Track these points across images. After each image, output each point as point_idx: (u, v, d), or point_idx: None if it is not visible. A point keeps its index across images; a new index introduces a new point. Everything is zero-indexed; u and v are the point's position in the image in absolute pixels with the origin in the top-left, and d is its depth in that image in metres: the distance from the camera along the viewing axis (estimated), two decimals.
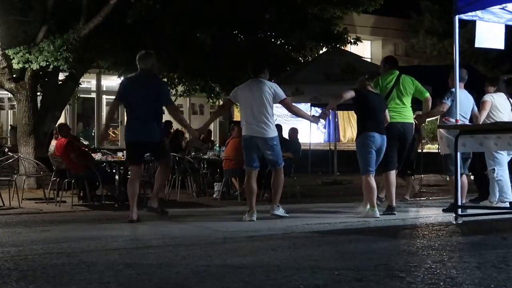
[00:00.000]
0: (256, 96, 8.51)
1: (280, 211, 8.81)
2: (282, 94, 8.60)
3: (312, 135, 19.12)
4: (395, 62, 9.95)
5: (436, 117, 9.47)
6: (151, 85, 8.40)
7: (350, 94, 8.77)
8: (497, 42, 8.66)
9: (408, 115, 9.26)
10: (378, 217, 8.50)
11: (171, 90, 17.05)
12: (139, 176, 8.73)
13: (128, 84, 8.67)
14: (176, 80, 16.72)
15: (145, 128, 8.29)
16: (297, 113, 9.09)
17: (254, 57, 15.63)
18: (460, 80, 8.52)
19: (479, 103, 9.49)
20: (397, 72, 9.38)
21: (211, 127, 26.12)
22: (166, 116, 25.07)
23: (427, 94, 9.26)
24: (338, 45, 17.17)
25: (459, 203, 8.02)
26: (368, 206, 8.69)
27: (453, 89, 8.49)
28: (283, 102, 8.65)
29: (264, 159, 8.88)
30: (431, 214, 9.33)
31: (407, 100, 9.26)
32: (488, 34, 8.53)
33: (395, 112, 9.16)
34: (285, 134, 13.11)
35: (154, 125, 8.37)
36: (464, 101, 9.01)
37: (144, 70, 8.38)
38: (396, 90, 9.21)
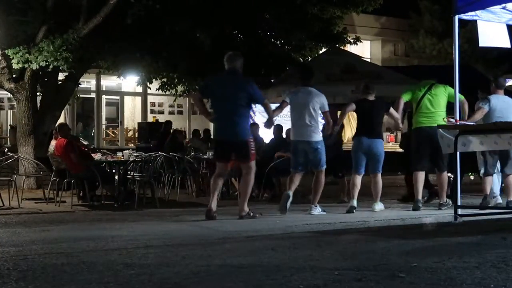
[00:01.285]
0: (305, 105, 9.25)
1: (317, 210, 9.37)
2: (327, 106, 9.44)
3: None
4: (433, 74, 10.56)
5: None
6: (239, 85, 8.59)
7: (351, 107, 9.79)
8: (503, 41, 8.67)
9: (437, 120, 9.57)
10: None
11: (170, 90, 17.09)
12: (224, 172, 8.99)
13: (215, 82, 8.90)
14: (176, 80, 16.71)
15: (232, 127, 8.56)
16: (329, 123, 9.65)
17: (254, 57, 15.68)
18: (499, 87, 9.52)
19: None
20: (431, 82, 9.83)
21: (211, 127, 26.15)
22: (166, 117, 25.06)
23: (462, 97, 9.42)
24: (337, 45, 17.18)
25: (459, 203, 8.04)
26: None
27: (491, 96, 9.39)
28: (325, 114, 9.48)
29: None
30: (431, 214, 9.33)
31: (438, 106, 9.67)
32: (491, 33, 8.54)
33: (425, 117, 9.69)
34: (285, 135, 13.09)
35: (241, 124, 8.61)
36: (503, 106, 9.43)
37: (233, 69, 8.63)
38: (427, 97, 9.67)
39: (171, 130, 16.92)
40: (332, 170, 11.00)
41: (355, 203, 9.63)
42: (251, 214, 8.75)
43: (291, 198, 9.25)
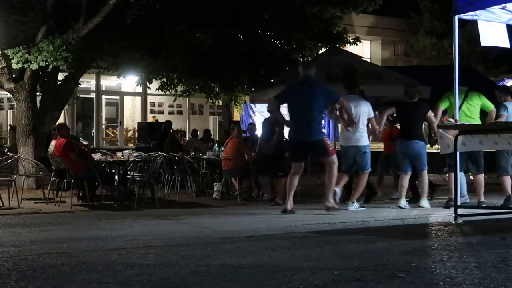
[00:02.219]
0: (358, 111, 9.79)
1: (354, 206, 9.83)
2: (372, 113, 10.04)
3: None
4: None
5: None
6: (315, 91, 9.25)
7: (391, 110, 10.33)
8: (503, 40, 8.67)
9: None
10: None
11: (170, 90, 17.09)
12: (300, 171, 9.49)
13: (292, 90, 9.61)
14: (176, 80, 16.71)
15: (308, 129, 9.17)
16: (375, 130, 10.22)
17: (253, 57, 15.70)
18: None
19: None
20: (465, 89, 10.03)
21: (211, 127, 26.16)
22: (166, 117, 25.04)
23: (492, 107, 10.08)
24: (337, 45, 17.17)
25: (459, 203, 8.04)
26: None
27: (506, 103, 9.82)
28: (371, 120, 10.05)
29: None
30: (430, 214, 9.33)
31: (474, 113, 10.03)
32: (492, 32, 8.54)
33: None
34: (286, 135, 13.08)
35: (316, 126, 9.30)
36: None
37: (307, 77, 9.39)
38: (465, 104, 9.96)
39: (171, 130, 16.93)
40: (271, 170, 11.47)
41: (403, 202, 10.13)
42: (336, 207, 9.31)
43: (339, 194, 9.94)
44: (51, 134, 13.38)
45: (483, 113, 10.21)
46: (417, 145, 10.11)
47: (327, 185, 9.45)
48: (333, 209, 9.27)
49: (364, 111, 9.92)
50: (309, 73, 9.45)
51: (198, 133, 18.44)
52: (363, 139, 10.00)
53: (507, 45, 8.72)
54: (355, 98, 9.97)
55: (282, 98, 9.68)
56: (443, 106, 10.04)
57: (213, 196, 12.43)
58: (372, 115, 10.05)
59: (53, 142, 11.76)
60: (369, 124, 10.18)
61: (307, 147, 9.39)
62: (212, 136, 20.85)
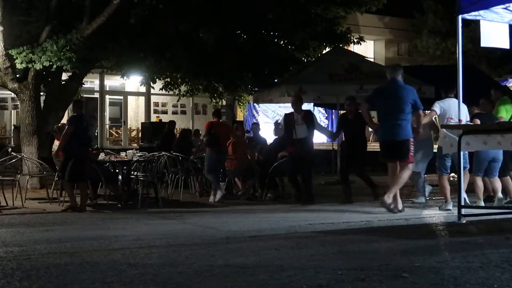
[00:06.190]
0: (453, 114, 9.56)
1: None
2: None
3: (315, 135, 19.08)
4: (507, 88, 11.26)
5: None
6: (403, 93, 9.36)
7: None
8: (503, 41, 8.66)
9: None
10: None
11: (173, 90, 17.09)
12: (395, 169, 9.43)
13: (381, 93, 9.71)
14: (179, 80, 16.71)
15: (395, 129, 9.26)
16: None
17: (257, 57, 15.68)
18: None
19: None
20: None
21: None
22: (170, 116, 25.04)
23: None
24: (341, 45, 17.16)
25: (462, 203, 8.03)
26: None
27: None
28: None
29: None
30: (434, 214, 9.32)
31: None
32: (494, 33, 8.53)
33: None
34: None
35: (403, 127, 9.33)
36: None
37: (395, 79, 9.47)
38: None
39: (180, 130, 16.89)
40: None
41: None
42: (392, 206, 9.22)
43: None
44: (51, 134, 13.39)
45: None
46: None
47: (393, 183, 9.32)
48: (388, 208, 9.19)
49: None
50: (396, 75, 9.50)
51: (200, 132, 18.43)
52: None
53: (507, 46, 8.71)
54: (453, 101, 9.66)
55: (372, 100, 9.79)
56: (507, 117, 10.07)
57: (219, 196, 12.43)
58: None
59: (56, 142, 11.76)
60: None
61: (393, 146, 9.42)
62: None
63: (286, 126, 11.24)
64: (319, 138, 11.66)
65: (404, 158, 9.30)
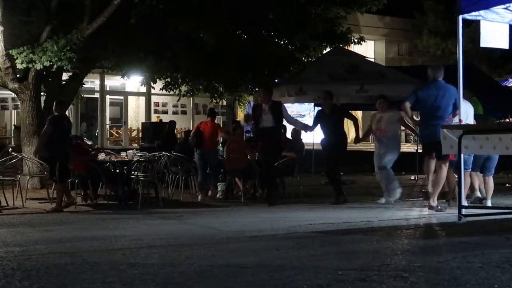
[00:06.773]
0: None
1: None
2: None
3: (315, 135, 19.08)
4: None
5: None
6: (446, 93, 9.48)
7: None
8: (502, 42, 8.66)
9: None
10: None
11: (174, 90, 17.09)
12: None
13: (424, 93, 9.69)
14: (180, 80, 16.71)
15: (438, 129, 9.10)
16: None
17: (257, 57, 15.68)
18: None
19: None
20: None
21: None
22: (170, 117, 25.04)
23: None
24: (341, 45, 17.16)
25: (463, 203, 8.03)
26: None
27: None
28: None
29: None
30: (434, 214, 9.32)
31: None
32: (493, 33, 8.54)
33: None
34: (288, 134, 13.08)
35: None
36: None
37: (438, 80, 9.59)
38: None
39: (184, 131, 16.88)
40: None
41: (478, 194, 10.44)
42: (439, 207, 9.43)
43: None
44: None
45: None
46: None
47: (434, 185, 9.51)
48: (436, 209, 9.36)
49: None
50: (439, 75, 9.62)
51: None
52: None
53: (506, 47, 8.72)
54: (467, 105, 9.87)
55: (416, 100, 9.79)
56: None
57: (217, 196, 12.43)
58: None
59: None
60: None
61: (434, 146, 9.41)
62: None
63: (253, 115, 11.29)
64: (320, 139, 11.59)
65: (443, 157, 9.36)
